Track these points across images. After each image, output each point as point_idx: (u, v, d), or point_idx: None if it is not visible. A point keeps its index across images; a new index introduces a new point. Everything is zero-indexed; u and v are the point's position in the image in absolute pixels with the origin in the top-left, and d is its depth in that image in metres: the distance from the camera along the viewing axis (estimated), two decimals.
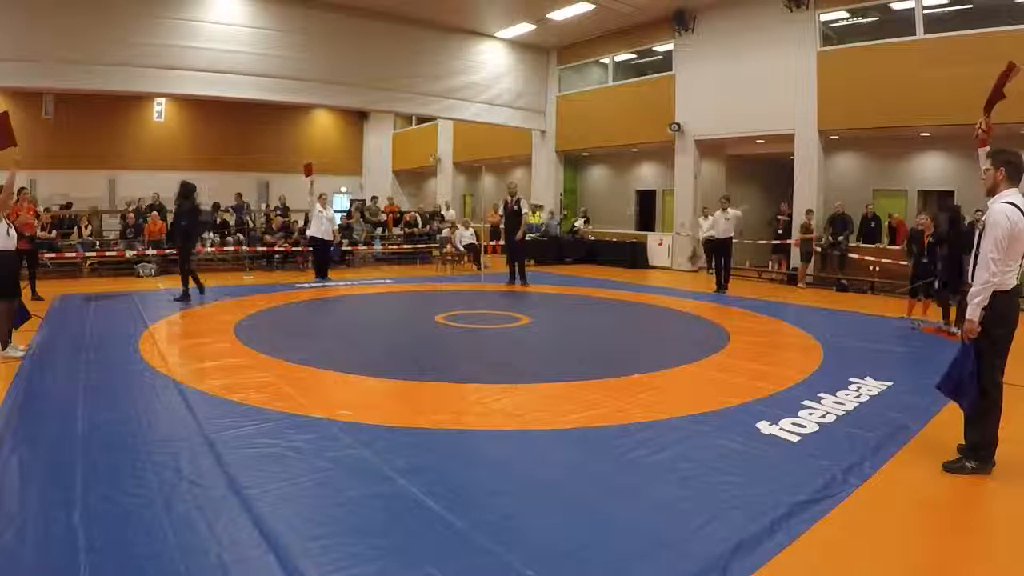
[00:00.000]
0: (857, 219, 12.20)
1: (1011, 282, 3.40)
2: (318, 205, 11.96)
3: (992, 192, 3.47)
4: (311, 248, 12.55)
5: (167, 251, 13.14)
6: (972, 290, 3.39)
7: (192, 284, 9.38)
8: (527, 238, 16.97)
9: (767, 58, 13.12)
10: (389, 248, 16.27)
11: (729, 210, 11.01)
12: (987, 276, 3.31)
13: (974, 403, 3.44)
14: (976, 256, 3.41)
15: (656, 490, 3.19)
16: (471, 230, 15.44)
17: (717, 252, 11.34)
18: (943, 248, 7.80)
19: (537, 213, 18.28)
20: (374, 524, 2.79)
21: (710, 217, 13.83)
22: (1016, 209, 3.34)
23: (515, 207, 11.23)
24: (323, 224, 11.90)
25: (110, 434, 3.82)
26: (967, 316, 3.41)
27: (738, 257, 13.01)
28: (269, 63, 13.30)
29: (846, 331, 7.67)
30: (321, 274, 12.02)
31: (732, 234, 11.05)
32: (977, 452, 3.44)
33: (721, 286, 11.24)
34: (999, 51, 10.15)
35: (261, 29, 13.21)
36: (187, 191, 9.53)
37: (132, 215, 13.70)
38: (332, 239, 12.22)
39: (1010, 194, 3.41)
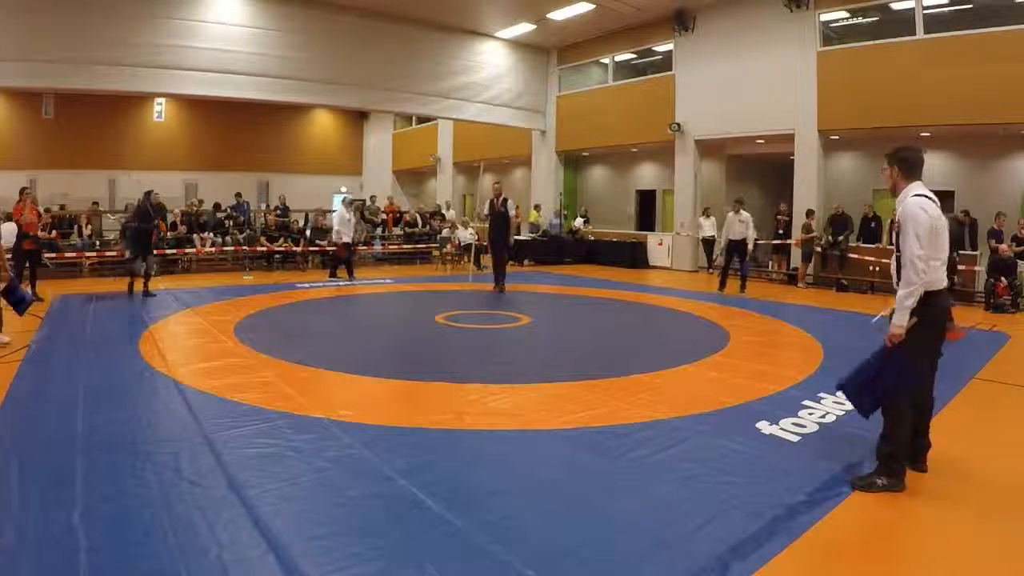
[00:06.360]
0: (857, 219, 12.21)
1: (942, 279, 3.23)
2: (348, 212, 12.51)
3: (895, 192, 3.36)
4: (331, 250, 13.07)
5: (167, 251, 13.16)
6: (900, 293, 3.16)
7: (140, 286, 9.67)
8: (528, 237, 17.11)
9: (767, 58, 13.12)
10: (389, 248, 16.28)
11: (742, 212, 10.94)
12: (915, 277, 3.10)
13: (871, 410, 3.35)
14: (898, 258, 3.21)
15: (656, 490, 3.19)
16: (471, 230, 15.44)
17: (731, 253, 11.22)
18: None
19: (538, 212, 18.28)
20: (374, 524, 2.78)
21: (711, 217, 13.81)
22: (929, 200, 3.20)
23: (502, 208, 10.58)
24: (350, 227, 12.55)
25: (110, 434, 3.81)
26: (894, 321, 3.18)
27: None
28: (269, 63, 13.30)
29: (846, 331, 7.67)
30: (350, 273, 12.42)
31: (746, 236, 10.95)
32: (889, 467, 3.24)
33: (721, 285, 11.22)
34: (999, 51, 10.22)
35: (261, 29, 13.21)
36: (147, 195, 9.87)
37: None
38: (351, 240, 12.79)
39: (916, 187, 3.28)
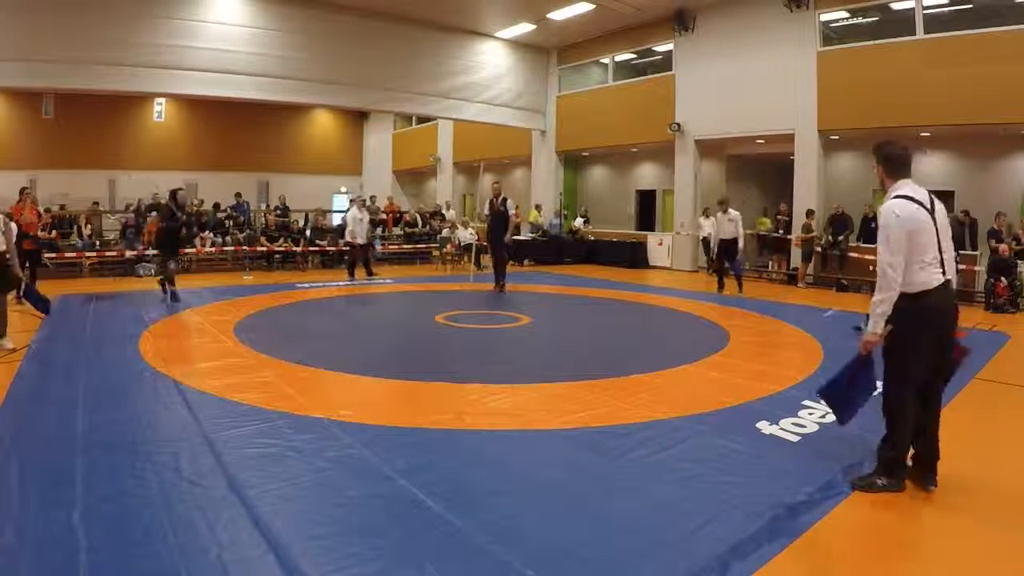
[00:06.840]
0: (857, 219, 12.21)
1: (936, 278, 3.07)
2: (356, 209, 12.45)
3: (885, 189, 3.28)
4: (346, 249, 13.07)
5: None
6: (873, 299, 3.08)
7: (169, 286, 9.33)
8: (528, 237, 17.11)
9: (767, 58, 13.13)
10: (389, 248, 16.27)
11: (731, 211, 10.97)
12: (885, 285, 3.02)
13: (848, 416, 3.34)
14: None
15: (656, 490, 3.19)
16: (471, 230, 15.44)
17: (722, 253, 11.26)
18: None
19: (538, 212, 18.28)
20: (374, 524, 2.78)
21: (711, 217, 13.81)
22: (908, 201, 3.08)
23: (501, 208, 10.67)
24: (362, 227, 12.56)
25: (110, 434, 3.81)
26: (868, 328, 3.11)
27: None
28: (269, 63, 13.30)
29: (846, 331, 7.66)
30: (351, 273, 12.41)
31: (736, 235, 10.99)
32: (889, 469, 3.20)
33: (720, 285, 11.23)
34: (999, 51, 10.22)
35: (261, 29, 13.21)
36: (172, 194, 9.60)
37: (132, 215, 13.74)
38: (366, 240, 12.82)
39: (901, 186, 3.17)
